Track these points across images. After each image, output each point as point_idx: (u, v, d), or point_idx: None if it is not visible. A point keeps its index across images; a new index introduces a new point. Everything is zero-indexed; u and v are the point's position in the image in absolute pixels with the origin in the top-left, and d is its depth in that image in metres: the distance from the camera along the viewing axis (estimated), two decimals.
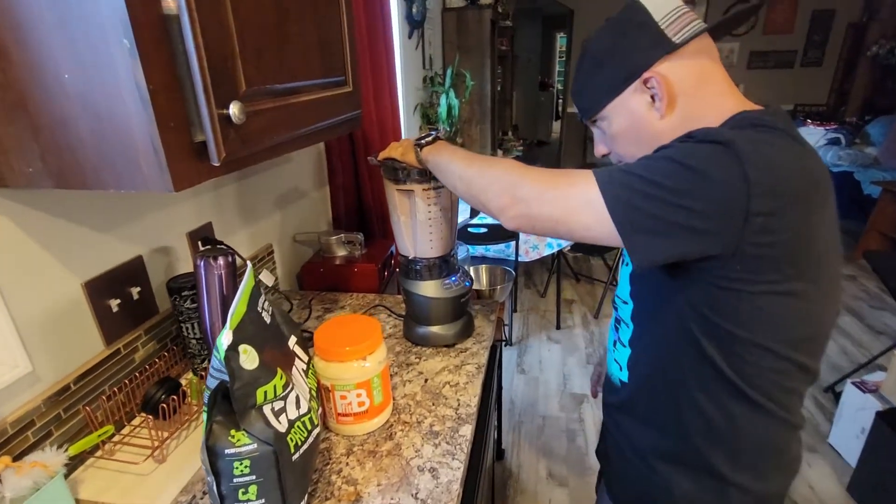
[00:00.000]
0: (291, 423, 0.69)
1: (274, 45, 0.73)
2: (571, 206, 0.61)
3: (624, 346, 0.77)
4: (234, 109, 0.62)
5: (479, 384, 1.00)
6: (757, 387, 0.63)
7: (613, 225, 0.58)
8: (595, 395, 1.11)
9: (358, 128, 1.14)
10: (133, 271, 0.94)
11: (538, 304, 3.33)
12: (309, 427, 0.73)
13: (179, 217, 1.07)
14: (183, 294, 0.94)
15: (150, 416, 0.86)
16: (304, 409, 0.72)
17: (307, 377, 0.82)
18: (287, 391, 0.70)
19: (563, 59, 7.07)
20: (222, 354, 0.59)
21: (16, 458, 0.72)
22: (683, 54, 0.64)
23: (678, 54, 0.64)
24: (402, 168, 0.98)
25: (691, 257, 0.57)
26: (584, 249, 3.21)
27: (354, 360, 0.81)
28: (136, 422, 0.90)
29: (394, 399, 0.96)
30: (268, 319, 0.75)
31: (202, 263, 0.87)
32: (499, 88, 3.75)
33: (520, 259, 2.74)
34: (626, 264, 0.77)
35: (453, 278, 1.11)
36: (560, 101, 7.48)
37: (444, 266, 1.09)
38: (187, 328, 0.96)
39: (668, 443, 0.71)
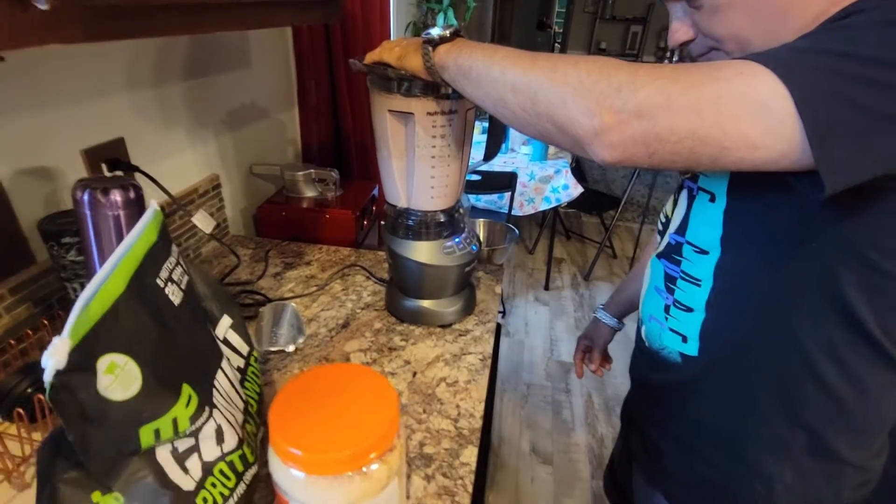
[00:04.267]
0: (208, 470, 0.43)
1: None
2: (728, 112, 0.40)
3: (690, 310, 0.60)
4: None
5: (485, 384, 0.76)
6: None
7: (801, 133, 0.38)
8: (581, 375, 0.96)
9: (337, 19, 0.81)
10: None
11: (525, 260, 3.10)
12: (239, 469, 0.46)
13: (73, 125, 0.74)
14: (64, 241, 0.64)
15: (4, 422, 0.58)
16: (231, 444, 0.46)
17: (246, 380, 0.55)
18: (200, 422, 0.42)
19: None
20: (48, 386, 0.31)
21: None
22: None
23: None
24: (400, 78, 0.67)
25: None
26: (583, 206, 2.95)
27: (352, 471, 0.43)
28: None
29: None
30: (176, 299, 0.46)
31: (85, 198, 0.56)
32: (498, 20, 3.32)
33: (513, 213, 2.48)
34: (712, 200, 0.56)
35: (457, 240, 0.83)
36: (557, 43, 6.96)
37: (447, 223, 0.81)
38: (74, 289, 0.67)
39: (769, 427, 0.58)
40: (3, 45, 0.33)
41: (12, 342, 0.65)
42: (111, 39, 0.39)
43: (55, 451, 0.36)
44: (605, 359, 0.96)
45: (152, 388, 0.38)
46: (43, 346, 0.68)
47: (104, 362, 0.34)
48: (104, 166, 0.77)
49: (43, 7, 0.31)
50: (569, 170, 2.48)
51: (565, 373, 2.20)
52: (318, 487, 0.43)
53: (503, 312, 2.61)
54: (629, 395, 0.80)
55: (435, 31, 0.61)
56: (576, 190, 2.46)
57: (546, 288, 2.81)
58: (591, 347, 0.96)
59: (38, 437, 0.59)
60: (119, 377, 0.35)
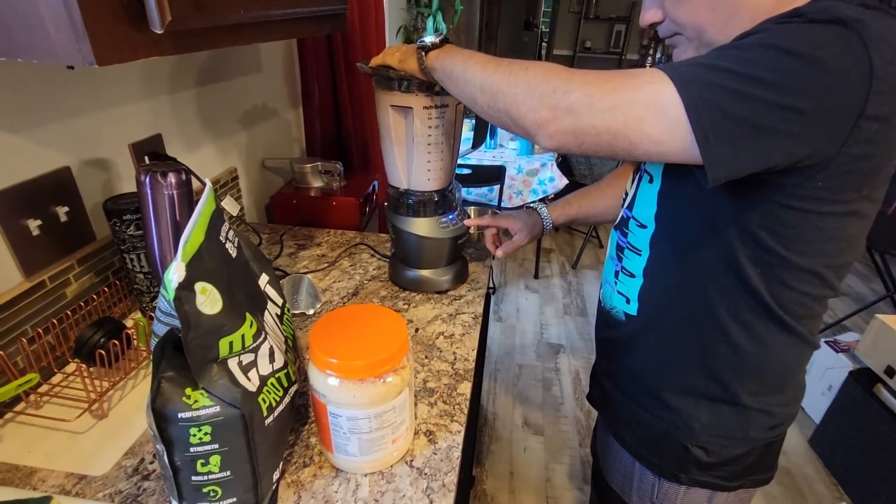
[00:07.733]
0: (264, 381, 0.56)
1: None
2: (636, 114, 0.48)
3: (632, 276, 0.69)
4: None
5: (477, 336, 0.89)
6: (792, 312, 0.60)
7: (691, 135, 0.46)
8: (496, 250, 0.99)
9: (342, 30, 0.95)
10: (58, 186, 0.75)
11: (516, 252, 3.24)
12: (285, 384, 0.60)
13: (121, 123, 0.87)
14: (125, 218, 0.76)
15: (84, 365, 0.70)
16: (279, 364, 0.59)
17: (281, 324, 0.68)
18: (258, 342, 0.56)
19: None
20: (171, 294, 0.44)
21: None
22: None
23: None
24: (401, 77, 0.80)
25: (778, 169, 0.48)
26: None
27: (374, 378, 0.57)
28: (69, 369, 0.75)
29: None
30: (233, 253, 0.59)
31: (147, 179, 0.69)
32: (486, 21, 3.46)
33: (503, 205, 2.62)
34: (651, 181, 0.65)
35: (450, 216, 0.97)
36: (544, 43, 7.11)
37: (441, 202, 0.95)
38: (132, 259, 0.79)
39: (687, 377, 0.67)
40: (123, 58, 0.46)
41: (82, 304, 0.78)
42: (187, 52, 0.52)
43: (161, 354, 0.49)
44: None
45: (229, 310, 0.51)
46: (109, 308, 0.81)
47: (199, 286, 0.47)
48: (146, 158, 0.90)
49: (158, 31, 0.44)
50: (554, 163, 2.62)
51: (554, 353, 2.35)
52: (349, 390, 0.57)
53: (493, 289, 2.74)
54: (595, 356, 0.88)
55: (428, 39, 0.75)
56: (561, 182, 2.61)
57: (536, 277, 2.95)
58: (510, 234, 0.96)
59: (105, 382, 0.72)
60: (209, 298, 0.48)
